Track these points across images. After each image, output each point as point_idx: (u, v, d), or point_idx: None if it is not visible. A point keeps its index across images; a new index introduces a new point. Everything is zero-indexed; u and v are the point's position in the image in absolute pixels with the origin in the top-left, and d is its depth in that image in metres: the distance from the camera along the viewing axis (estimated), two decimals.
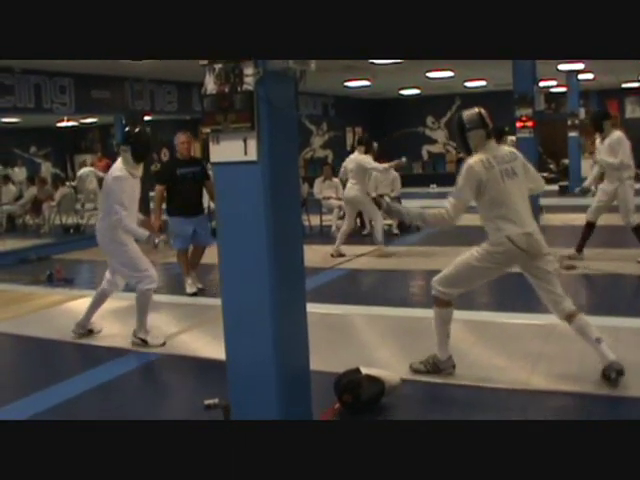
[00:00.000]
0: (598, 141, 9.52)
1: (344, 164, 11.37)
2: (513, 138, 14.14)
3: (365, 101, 24.52)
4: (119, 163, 6.53)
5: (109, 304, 8.16)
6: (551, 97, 22.91)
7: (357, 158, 10.91)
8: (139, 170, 6.59)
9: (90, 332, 7.08)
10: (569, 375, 5.28)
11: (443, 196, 17.45)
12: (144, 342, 6.64)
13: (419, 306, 7.83)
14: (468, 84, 20.88)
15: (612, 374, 4.95)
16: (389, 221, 13.41)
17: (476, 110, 5.19)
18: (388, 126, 24.92)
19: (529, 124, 11.85)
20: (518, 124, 11.88)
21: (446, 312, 5.34)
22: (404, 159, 12.04)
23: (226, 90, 3.82)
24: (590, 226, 9.60)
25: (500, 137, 14.28)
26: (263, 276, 3.75)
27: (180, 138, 8.84)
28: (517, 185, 5.06)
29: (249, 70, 3.74)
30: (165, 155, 24.73)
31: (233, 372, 3.97)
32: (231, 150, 3.80)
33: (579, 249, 9.60)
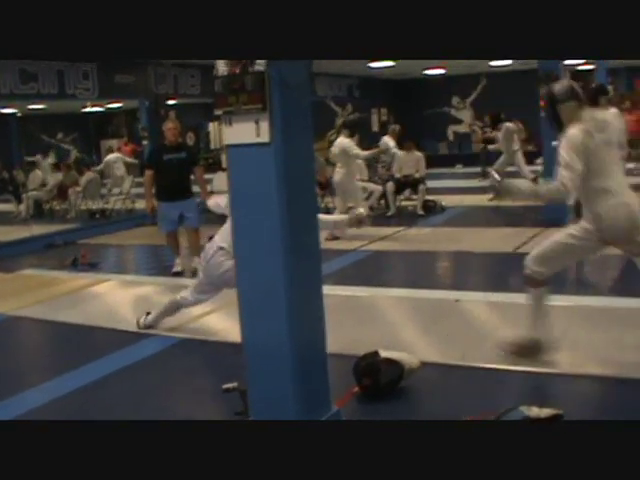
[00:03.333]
0: None
1: (331, 149, 11.37)
2: (509, 124, 14.04)
3: (390, 82, 24.35)
4: None
5: (134, 289, 8.23)
6: (578, 75, 22.59)
7: (342, 143, 10.81)
8: None
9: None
10: (593, 358, 5.19)
11: (469, 176, 17.49)
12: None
13: (442, 288, 7.79)
14: (494, 63, 20.66)
15: None
16: (414, 202, 13.38)
17: (567, 82, 5.06)
18: (413, 107, 24.74)
19: None
20: (543, 103, 11.67)
21: (541, 291, 5.13)
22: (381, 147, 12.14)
23: (237, 71, 3.77)
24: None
25: (496, 124, 14.33)
26: (277, 258, 3.71)
27: (167, 125, 9.25)
28: (615, 154, 4.91)
29: None
30: (191, 139, 24.79)
31: (249, 355, 3.94)
32: (243, 132, 3.75)
33: None
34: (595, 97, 9.15)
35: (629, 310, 6.25)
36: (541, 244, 5.14)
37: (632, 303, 6.41)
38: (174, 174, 8.81)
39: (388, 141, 14.05)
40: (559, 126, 4.96)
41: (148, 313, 6.70)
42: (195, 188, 9.38)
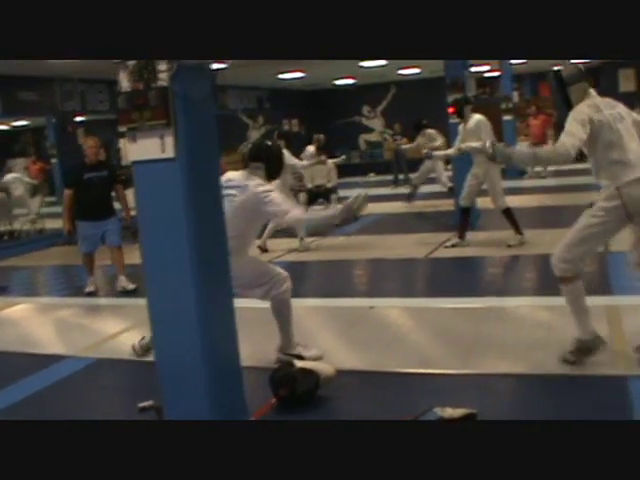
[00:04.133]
0: (461, 126, 9.66)
1: None
2: (432, 131, 14.37)
3: (300, 93, 24.50)
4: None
5: (46, 312, 8.05)
6: (485, 81, 23.17)
7: None
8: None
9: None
10: (504, 357, 5.31)
11: (382, 184, 17.51)
12: (299, 357, 5.48)
13: (357, 295, 7.87)
14: (402, 72, 20.97)
15: None
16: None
17: (574, 64, 4.98)
18: (325, 117, 24.92)
19: None
20: (450, 109, 11.92)
21: (576, 287, 4.88)
22: (323, 157, 12.20)
23: (140, 87, 3.76)
24: (466, 212, 9.75)
25: (419, 130, 14.62)
26: (186, 273, 3.72)
27: (88, 142, 9.02)
28: (627, 128, 4.80)
29: (163, 66, 3.69)
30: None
31: (162, 371, 3.93)
32: (148, 148, 3.75)
33: (461, 235, 9.76)
34: (461, 107, 9.49)
35: (533, 308, 6.46)
36: (563, 240, 4.92)
37: (535, 302, 6.63)
38: (95, 193, 8.63)
39: (314, 151, 14.16)
40: (570, 109, 4.86)
41: (143, 337, 6.15)
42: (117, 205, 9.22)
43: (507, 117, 19.26)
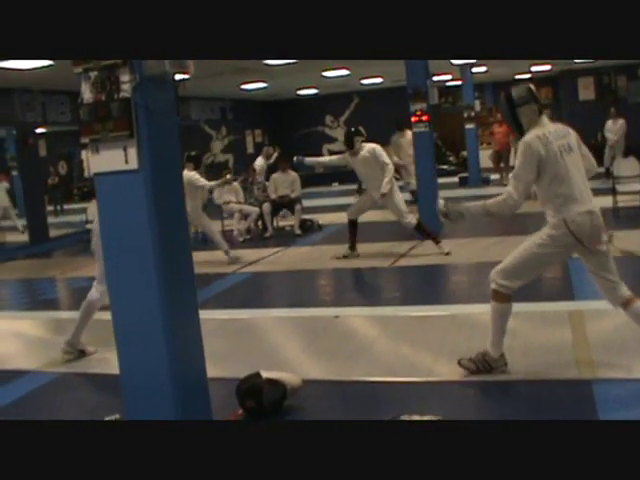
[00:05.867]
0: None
1: None
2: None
3: (263, 103, 24.52)
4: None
5: (13, 324, 7.94)
6: (448, 90, 23.38)
7: (187, 175, 10.77)
8: None
9: (82, 353, 6.55)
10: None
11: (345, 194, 17.51)
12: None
13: (321, 305, 7.87)
14: (365, 81, 21.07)
15: None
16: (291, 222, 13.45)
17: (524, 84, 4.94)
18: (288, 127, 24.97)
19: (424, 118, 11.99)
20: (414, 119, 12.00)
21: (505, 307, 4.92)
22: (228, 176, 12.24)
23: (103, 98, 3.74)
24: (353, 224, 10.09)
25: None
26: (151, 286, 3.69)
27: None
28: (575, 161, 4.75)
29: (125, 77, 3.68)
30: (63, 168, 24.15)
31: (128, 385, 3.89)
32: (111, 159, 3.72)
33: (352, 247, 10.06)
34: (351, 140, 9.59)
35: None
36: (507, 257, 4.93)
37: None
38: None
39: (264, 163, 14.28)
40: (520, 131, 4.82)
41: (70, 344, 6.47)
42: None
43: (469, 125, 19.45)
